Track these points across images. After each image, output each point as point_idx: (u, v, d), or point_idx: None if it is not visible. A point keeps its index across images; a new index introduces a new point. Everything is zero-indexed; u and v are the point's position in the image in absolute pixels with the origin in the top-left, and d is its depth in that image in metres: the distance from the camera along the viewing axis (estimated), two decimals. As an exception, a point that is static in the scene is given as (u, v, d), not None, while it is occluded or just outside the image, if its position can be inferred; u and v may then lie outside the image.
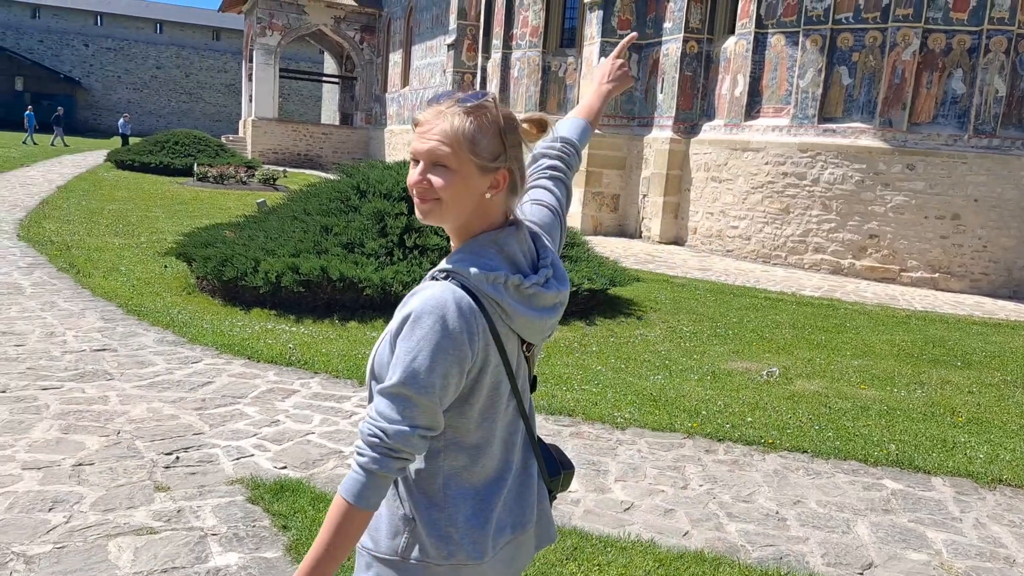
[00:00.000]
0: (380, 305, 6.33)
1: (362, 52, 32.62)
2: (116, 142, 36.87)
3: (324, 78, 40.22)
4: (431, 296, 1.20)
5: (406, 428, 1.16)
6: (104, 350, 5.07)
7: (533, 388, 1.42)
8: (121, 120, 29.32)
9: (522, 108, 16.76)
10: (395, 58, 30.22)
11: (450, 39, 21.24)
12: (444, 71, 24.24)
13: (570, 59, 16.21)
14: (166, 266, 7.78)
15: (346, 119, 36.21)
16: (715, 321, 7.19)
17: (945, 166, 10.90)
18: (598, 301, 7.18)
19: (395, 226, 6.75)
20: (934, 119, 11.12)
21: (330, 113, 41.62)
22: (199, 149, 21.71)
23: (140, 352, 5.08)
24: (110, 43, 55.09)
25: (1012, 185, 10.79)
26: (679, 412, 4.47)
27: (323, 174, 27.59)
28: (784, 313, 7.84)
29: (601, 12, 14.15)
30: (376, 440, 1.16)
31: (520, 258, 1.30)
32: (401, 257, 6.59)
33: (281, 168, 24.59)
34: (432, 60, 25.70)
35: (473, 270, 1.22)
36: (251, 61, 32.73)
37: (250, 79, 33.49)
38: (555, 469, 1.43)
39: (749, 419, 4.46)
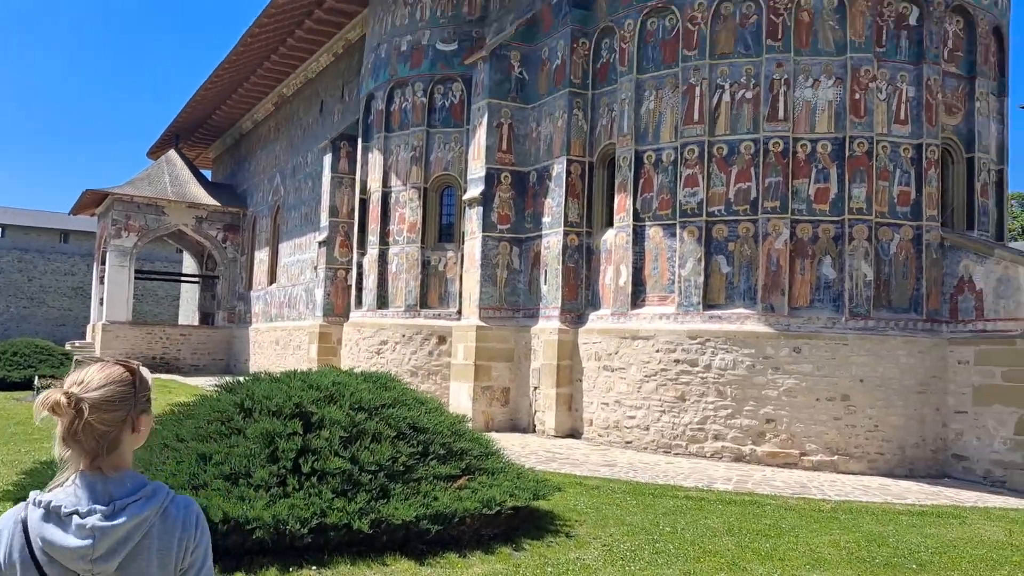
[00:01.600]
0: (274, 550, 5.32)
1: (225, 250, 31.84)
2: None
3: (183, 278, 38.83)
4: None
5: None
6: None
7: None
8: (-49, 329, 26.68)
9: (401, 303, 16.37)
10: (261, 255, 29.60)
11: (322, 236, 20.96)
12: (315, 267, 23.77)
13: (450, 253, 16.13)
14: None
15: (206, 318, 34.71)
16: (648, 532, 6.54)
17: (829, 348, 11.14)
18: (521, 519, 6.42)
19: (288, 449, 5.87)
20: (811, 303, 11.48)
21: (189, 313, 39.91)
22: (41, 359, 19.81)
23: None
24: (-56, 249, 51.75)
25: (892, 364, 11.10)
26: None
27: (180, 378, 25.80)
28: (713, 516, 7.30)
29: (481, 208, 14.26)
30: None
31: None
32: (297, 487, 5.67)
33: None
34: (301, 257, 25.26)
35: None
36: (104, 263, 31.22)
37: (102, 282, 31.78)
38: None
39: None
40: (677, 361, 11.81)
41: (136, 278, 31.25)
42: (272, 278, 28.33)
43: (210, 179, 35.96)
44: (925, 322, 11.38)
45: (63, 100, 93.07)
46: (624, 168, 12.80)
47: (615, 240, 12.93)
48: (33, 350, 19.98)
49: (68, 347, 28.93)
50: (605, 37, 13.49)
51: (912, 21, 11.80)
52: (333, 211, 20.83)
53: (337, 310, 20.73)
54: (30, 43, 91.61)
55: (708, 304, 11.83)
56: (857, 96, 11.49)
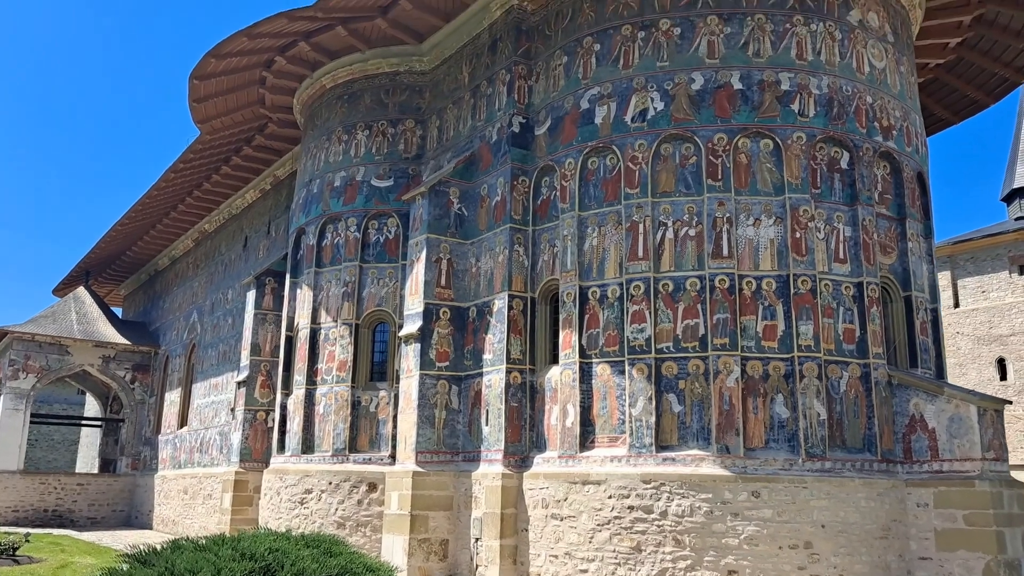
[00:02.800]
0: None
1: (133, 392, 29.95)
2: None
3: (85, 422, 36.24)
4: None
5: None
6: None
7: None
8: None
9: (329, 448, 15.28)
10: (172, 397, 27.87)
11: (241, 376, 19.80)
12: (232, 409, 22.36)
13: (382, 393, 15.30)
14: None
15: (107, 466, 32.18)
16: None
17: (788, 492, 10.67)
18: None
19: (216, 631, 4.89)
20: (767, 443, 11.09)
21: (88, 460, 37.06)
22: (-86, 515, 17.57)
23: None
24: None
25: (853, 509, 10.67)
26: None
27: (75, 533, 23.41)
28: None
29: (419, 345, 13.63)
30: None
31: None
32: None
33: (23, 531, 20.48)
34: (217, 398, 23.81)
35: None
36: (-4, 406, 28.83)
37: (-8, 426, 29.23)
38: None
39: None
40: (631, 508, 11.10)
41: (32, 422, 28.89)
42: (183, 421, 26.56)
43: (121, 317, 34.32)
44: (880, 462, 11.10)
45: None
46: (569, 304, 12.49)
47: (561, 378, 12.43)
48: (-96, 506, 17.75)
49: (-54, 501, 26.11)
50: (545, 175, 13.50)
51: (843, 165, 12.19)
52: (255, 349, 19.81)
53: (255, 455, 19.32)
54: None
55: (661, 445, 11.30)
56: (797, 235, 11.62)
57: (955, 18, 15.02)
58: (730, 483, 10.74)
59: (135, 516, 28.41)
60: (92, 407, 37.26)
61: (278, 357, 19.62)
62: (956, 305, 26.43)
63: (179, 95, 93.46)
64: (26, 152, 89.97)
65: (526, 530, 12.25)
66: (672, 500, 10.89)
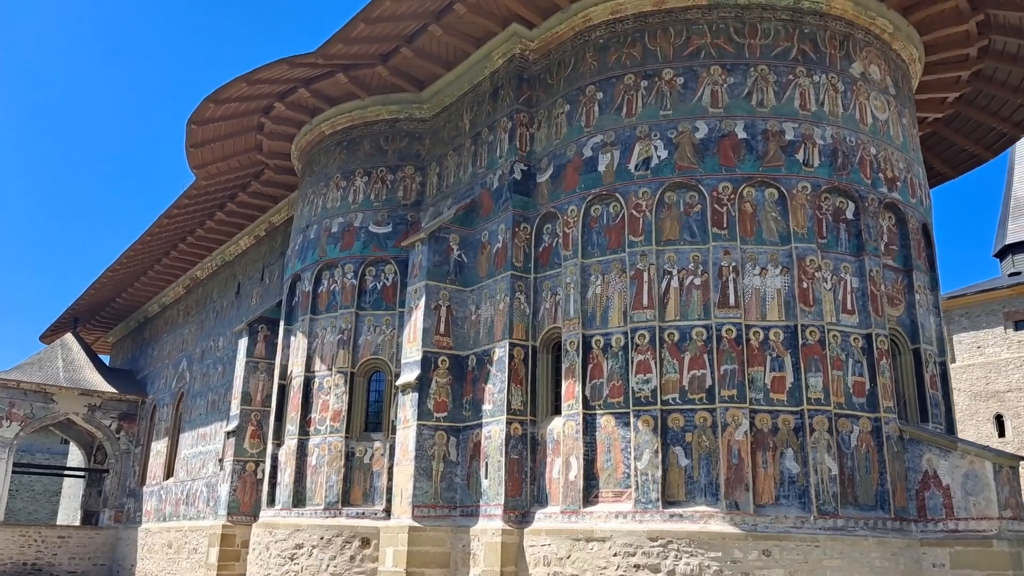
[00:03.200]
0: None
1: (118, 441, 29.29)
2: None
3: (68, 472, 35.38)
4: None
5: None
6: None
7: None
8: None
9: (321, 501, 14.79)
10: (158, 447, 27.22)
11: (231, 425, 19.33)
12: (220, 460, 21.79)
13: (377, 444, 14.88)
14: None
15: (89, 518, 31.27)
16: None
17: (800, 551, 10.29)
18: None
19: None
20: (777, 500, 10.74)
21: (70, 511, 36.10)
22: None
23: None
24: None
25: (867, 569, 10.30)
26: None
27: (54, 589, 22.62)
28: None
29: (416, 394, 13.29)
30: None
31: None
32: None
33: (-1, 586, 19.76)
34: (205, 448, 23.24)
35: None
36: (-23, 455, 28.07)
37: (-28, 476, 28.45)
38: None
39: None
40: (637, 567, 10.68)
41: (13, 472, 28.12)
42: (169, 472, 25.89)
43: (109, 364, 33.76)
44: (894, 520, 10.75)
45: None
46: (572, 352, 12.21)
47: (563, 429, 12.08)
48: None
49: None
50: (547, 222, 13.34)
51: (849, 215, 12.08)
52: (246, 398, 19.36)
53: (244, 508, 18.74)
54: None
55: (668, 500, 10.93)
56: (805, 285, 11.44)
57: (954, 73, 15.11)
58: (740, 541, 10.36)
59: (117, 570, 27.52)
60: (76, 457, 36.43)
61: (269, 407, 19.18)
62: (952, 360, 26.26)
63: (175, 140, 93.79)
64: (16, 196, 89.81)
65: (526, 589, 11.77)
66: (680, 559, 10.49)
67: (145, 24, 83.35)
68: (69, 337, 30.96)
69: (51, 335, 34.17)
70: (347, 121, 16.84)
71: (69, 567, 27.31)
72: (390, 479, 14.44)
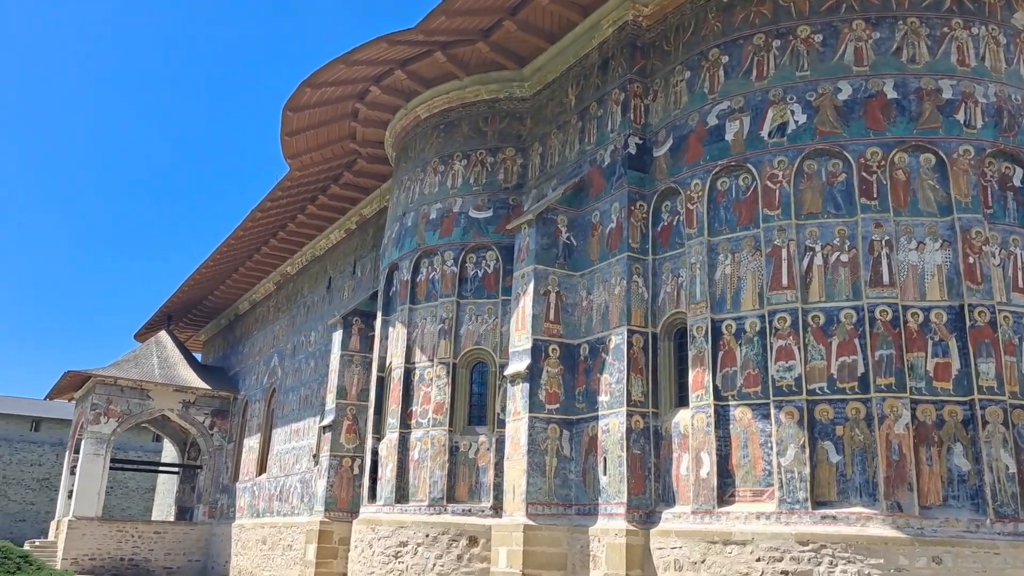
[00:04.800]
0: None
1: (211, 438, 29.43)
2: None
3: (163, 468, 35.93)
4: None
5: None
6: None
7: None
8: None
9: (425, 497, 14.11)
10: (251, 443, 27.20)
11: (327, 420, 18.88)
12: (313, 455, 21.47)
13: (482, 438, 14.13)
14: None
15: (184, 513, 31.62)
16: None
17: (977, 559, 9.06)
18: None
19: None
20: (945, 501, 9.52)
21: (164, 507, 36.66)
22: (-7, 562, 16.99)
23: None
24: (-95, 436, 48.59)
25: (1057, 577, 8.99)
26: None
27: (153, 584, 22.67)
28: None
29: (527, 385, 12.46)
30: None
31: None
32: None
33: (101, 580, 19.80)
34: (298, 444, 22.98)
35: None
36: (77, 452, 28.61)
37: (73, 472, 28.98)
38: None
39: None
40: (784, 573, 9.59)
41: (111, 468, 28.51)
42: (262, 468, 25.79)
43: (200, 362, 34.11)
44: (1085, 524, 9.39)
45: (42, 283, 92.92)
46: (699, 339, 11.19)
47: (692, 422, 11.06)
48: (-15, 552, 17.19)
49: (28, 547, 25.71)
50: (666, 199, 12.35)
51: (1016, 182, 10.74)
52: (341, 392, 18.89)
53: (341, 504, 18.27)
54: (3, 233, 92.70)
55: (817, 501, 9.81)
56: (971, 260, 10.15)
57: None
58: (905, 546, 9.17)
59: (211, 566, 27.60)
60: (169, 453, 37.02)
61: (365, 400, 18.74)
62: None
63: (265, 135, 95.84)
64: (112, 197, 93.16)
65: (655, 596, 10.80)
66: (836, 565, 9.36)
67: (239, 9, 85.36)
68: (163, 335, 31.32)
69: (146, 333, 34.73)
70: (444, 103, 16.17)
71: (165, 563, 27.51)
72: (497, 475, 13.69)
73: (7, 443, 51.87)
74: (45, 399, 33.39)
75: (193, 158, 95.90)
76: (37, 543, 27.32)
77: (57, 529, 27.97)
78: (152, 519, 36.63)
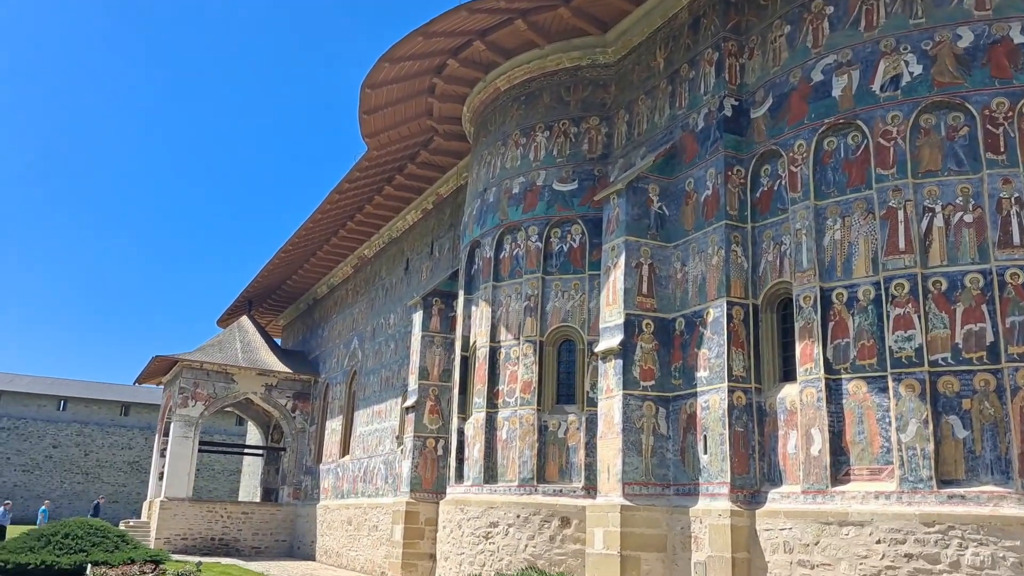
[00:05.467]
0: None
1: (294, 420, 29.83)
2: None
3: (249, 450, 36.71)
4: None
5: None
6: None
7: None
8: (1, 509, 24.55)
9: (514, 477, 13.82)
10: (333, 425, 27.45)
11: (410, 401, 18.78)
12: (396, 436, 21.46)
13: (571, 417, 13.74)
14: None
15: (269, 495, 32.21)
16: None
17: None
18: None
19: None
20: (1090, 479, 8.71)
21: (250, 489, 37.48)
22: (94, 542, 17.39)
23: None
24: (4, 423, 50.92)
25: None
26: None
27: (242, 563, 23.06)
28: None
29: (620, 361, 12.00)
30: None
31: None
32: None
33: (194, 559, 20.18)
34: (380, 426, 23.02)
35: None
36: (166, 435, 29.37)
37: (163, 455, 29.79)
38: None
39: None
40: (909, 556, 8.95)
41: (199, 451, 29.18)
42: (345, 450, 26.00)
43: (280, 346, 34.65)
44: None
45: (128, 272, 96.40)
46: (807, 309, 10.54)
47: (800, 398, 10.44)
48: (87, 531, 17.62)
49: (123, 527, 26.53)
50: (765, 163, 11.69)
51: None
52: (423, 373, 18.75)
53: (426, 485, 18.17)
54: (93, 225, 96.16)
55: (943, 480, 9.11)
56: (1116, 217, 9.26)
57: None
58: (1046, 528, 8.43)
59: (297, 547, 28.03)
60: (253, 436, 37.79)
61: (447, 381, 18.60)
62: None
63: (340, 119, 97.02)
64: (191, 187, 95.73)
65: (763, 579, 10.27)
66: (966, 548, 8.68)
67: None
68: (245, 320, 31.86)
69: (227, 319, 35.43)
70: (524, 74, 15.73)
71: (253, 542, 28.04)
72: (588, 455, 13.31)
73: (99, 428, 53.93)
74: (134, 384, 34.39)
75: (273, 147, 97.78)
76: (131, 523, 28.17)
77: (150, 509, 28.79)
78: (239, 500, 37.47)
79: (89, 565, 14.60)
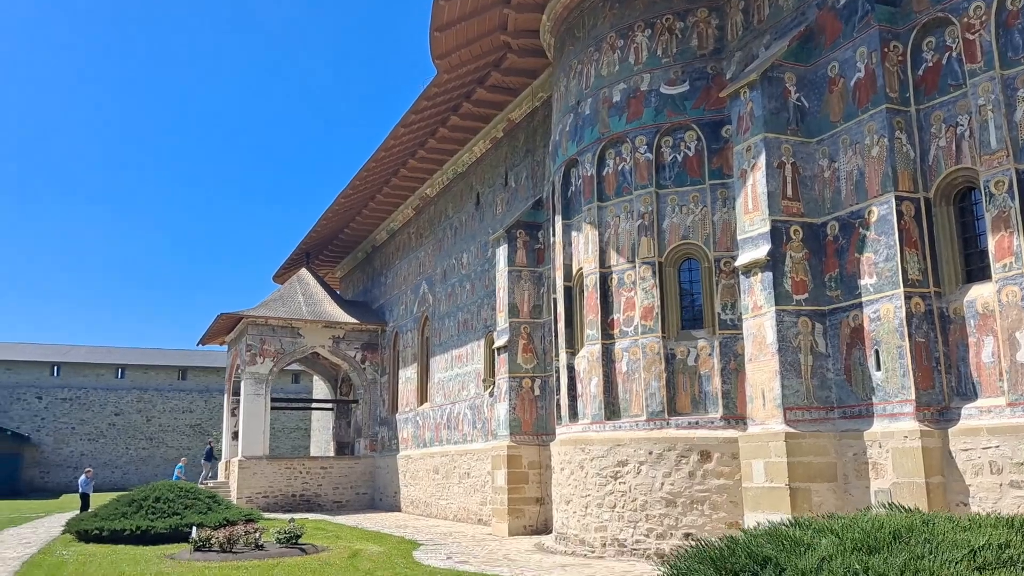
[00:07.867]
0: None
1: (364, 371, 29.05)
2: (68, 502, 31.35)
3: (318, 404, 36.21)
4: None
5: None
6: None
7: None
8: (83, 477, 24.17)
9: (641, 411, 12.70)
10: (407, 374, 26.58)
11: (500, 341, 17.70)
12: (483, 380, 20.48)
13: (701, 343, 12.52)
14: None
15: (343, 448, 31.68)
16: None
17: None
18: None
19: None
20: None
21: (321, 444, 37.08)
22: (186, 504, 16.77)
23: None
24: (66, 393, 51.16)
25: None
26: None
27: (330, 518, 22.47)
28: None
29: (769, 274, 10.70)
30: None
31: None
32: None
33: (286, 516, 19.56)
34: (462, 370, 22.03)
35: None
36: (236, 394, 28.79)
37: (234, 414, 29.28)
38: None
39: None
40: None
41: (272, 408, 28.58)
42: (423, 398, 25.14)
43: (342, 297, 33.78)
44: None
45: (179, 234, 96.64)
46: (999, 196, 9.09)
47: (998, 298, 9.07)
48: (177, 494, 16.99)
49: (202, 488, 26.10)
50: (928, 35, 10.12)
51: None
52: (513, 310, 17.62)
53: (525, 427, 17.20)
54: (154, 190, 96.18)
55: None
56: None
57: None
58: None
59: (379, 498, 27.48)
60: (320, 391, 37.22)
61: (538, 317, 17.52)
62: None
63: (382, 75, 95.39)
64: (245, 143, 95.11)
65: (965, 503, 9.04)
66: None
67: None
68: (305, 272, 30.94)
69: (284, 273, 34.58)
70: (616, -32, 14.15)
71: (334, 496, 27.53)
72: (724, 382, 12.15)
73: (159, 393, 54.05)
74: (197, 345, 33.81)
75: (318, 105, 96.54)
76: (211, 484, 27.78)
77: (227, 469, 28.37)
78: (314, 455, 37.13)
79: (194, 527, 13.84)
